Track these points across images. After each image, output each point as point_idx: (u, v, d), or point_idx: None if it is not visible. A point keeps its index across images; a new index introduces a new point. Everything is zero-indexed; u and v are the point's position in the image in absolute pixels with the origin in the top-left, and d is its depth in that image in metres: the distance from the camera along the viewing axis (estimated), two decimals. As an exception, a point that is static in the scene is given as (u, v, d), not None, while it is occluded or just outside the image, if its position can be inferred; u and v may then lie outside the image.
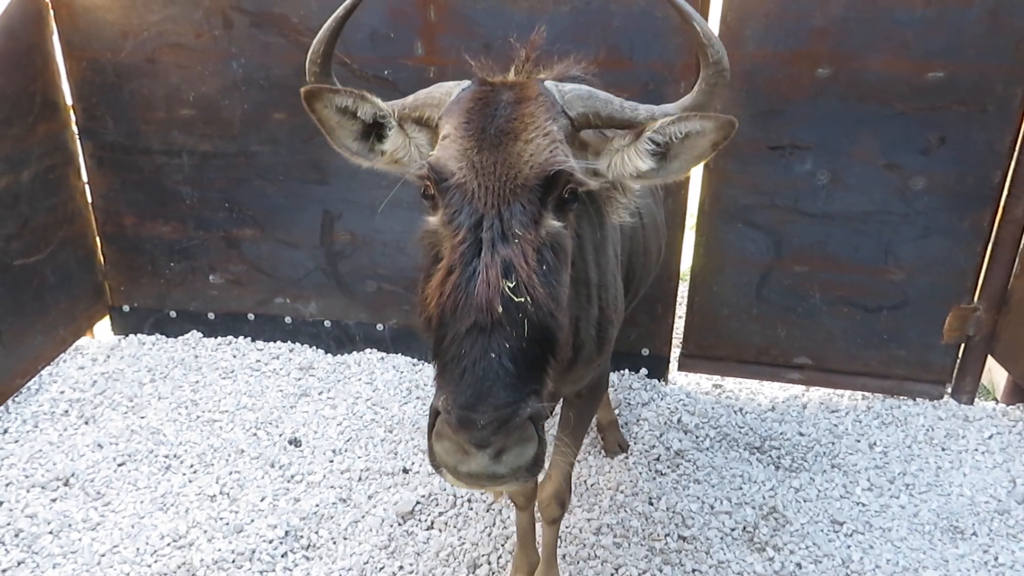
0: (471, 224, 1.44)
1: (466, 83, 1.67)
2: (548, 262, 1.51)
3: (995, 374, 4.16)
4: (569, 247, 1.63)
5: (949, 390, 4.03)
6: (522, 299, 1.41)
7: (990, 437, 3.73)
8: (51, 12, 3.95)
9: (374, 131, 1.73)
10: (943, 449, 3.68)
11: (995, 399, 4.13)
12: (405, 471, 3.50)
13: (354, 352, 4.41)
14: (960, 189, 3.60)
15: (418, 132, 1.73)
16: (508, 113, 1.55)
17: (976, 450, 3.66)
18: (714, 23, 3.52)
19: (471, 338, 1.38)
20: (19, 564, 2.99)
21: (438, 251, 1.49)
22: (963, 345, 3.93)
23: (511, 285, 1.40)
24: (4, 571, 2.95)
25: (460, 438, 1.35)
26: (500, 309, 1.37)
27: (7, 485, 3.36)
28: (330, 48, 1.63)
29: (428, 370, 4.26)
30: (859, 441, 3.71)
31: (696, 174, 3.81)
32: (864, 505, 3.33)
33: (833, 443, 3.69)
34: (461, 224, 1.45)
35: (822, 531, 3.18)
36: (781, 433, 3.75)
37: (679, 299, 4.09)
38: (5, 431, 3.71)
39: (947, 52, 3.39)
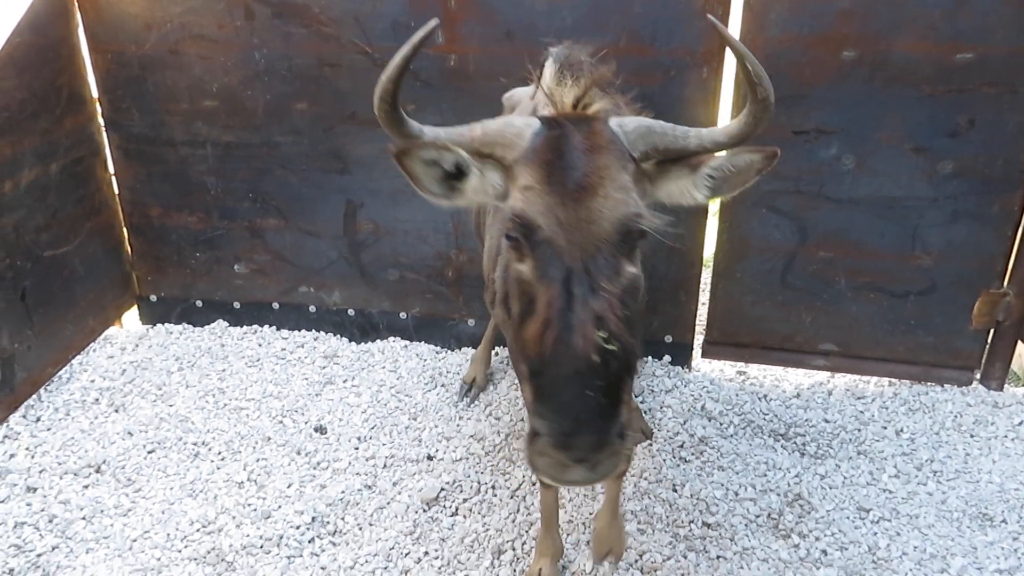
0: (562, 279, 1.56)
1: (534, 123, 1.70)
2: (628, 305, 1.62)
3: (1025, 360, 4.11)
4: (642, 286, 1.74)
5: (978, 376, 3.98)
6: (613, 347, 1.55)
7: (1020, 424, 3.68)
8: (76, 6, 3.99)
9: (454, 174, 1.79)
10: (972, 436, 3.64)
11: (1025, 385, 4.08)
12: (429, 458, 3.53)
13: (378, 340, 4.44)
14: (989, 172, 3.54)
15: (488, 167, 1.77)
16: (584, 166, 1.62)
17: (1006, 437, 3.62)
18: (738, 7, 3.48)
19: (569, 380, 1.53)
20: (53, 549, 3.06)
21: (531, 296, 1.59)
22: (992, 331, 3.87)
23: (603, 336, 1.54)
24: (39, 555, 3.02)
25: (561, 457, 1.53)
26: (596, 358, 1.53)
27: (41, 472, 3.43)
28: (398, 87, 1.68)
29: (451, 357, 4.28)
30: (886, 428, 3.68)
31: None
32: (891, 492, 3.31)
33: (859, 430, 3.66)
34: (553, 279, 1.56)
35: (848, 518, 3.16)
36: (806, 420, 3.73)
37: (702, 286, 4.07)
38: (38, 419, 3.78)
39: (976, 33, 3.33)
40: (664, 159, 1.84)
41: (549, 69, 2.40)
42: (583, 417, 1.53)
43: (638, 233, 1.63)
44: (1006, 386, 3.97)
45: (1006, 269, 3.73)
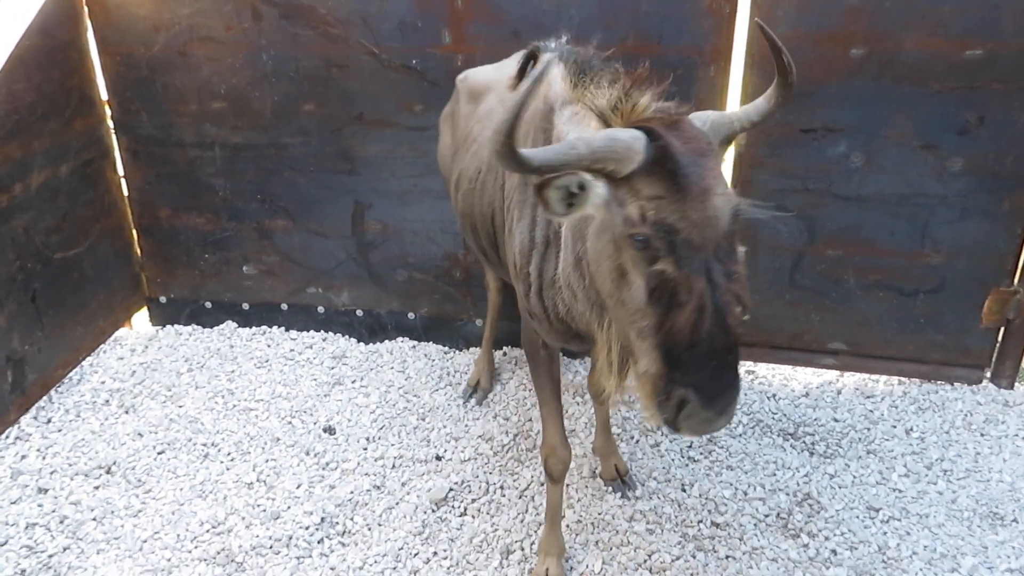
0: (704, 270, 1.77)
1: (638, 135, 1.82)
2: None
3: (1036, 358, 4.08)
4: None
5: (988, 375, 3.96)
6: (747, 316, 1.83)
7: (1031, 422, 3.66)
8: (85, 9, 4.01)
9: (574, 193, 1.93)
10: (982, 434, 3.62)
11: (1036, 384, 4.06)
12: (438, 458, 3.53)
13: (386, 341, 4.45)
14: (999, 170, 3.52)
15: (598, 181, 1.89)
16: (701, 170, 1.81)
17: (1016, 435, 3.60)
18: (745, 5, 3.47)
19: (718, 351, 1.78)
20: (64, 550, 3.08)
21: (674, 290, 1.79)
22: (1002, 329, 3.85)
23: (739, 311, 1.81)
24: (51, 556, 3.04)
25: (710, 415, 1.81)
26: (740, 330, 1.81)
27: (52, 473, 3.45)
28: (517, 124, 1.74)
29: (459, 358, 4.28)
30: (895, 427, 3.67)
31: (727, 159, 3.77)
32: (900, 491, 3.29)
33: (868, 429, 3.65)
34: (697, 271, 1.76)
35: (857, 517, 3.15)
36: (815, 419, 3.72)
37: (710, 285, 4.05)
38: (49, 421, 3.80)
39: (985, 29, 3.31)
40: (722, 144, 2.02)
41: (558, 68, 2.43)
42: (727, 378, 1.82)
43: (741, 219, 1.86)
44: (1016, 384, 3.95)
45: (1016, 267, 3.71)
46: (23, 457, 3.55)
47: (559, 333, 2.49)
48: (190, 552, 3.08)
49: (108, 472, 3.48)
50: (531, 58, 2.71)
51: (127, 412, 3.89)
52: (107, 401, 3.96)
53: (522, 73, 2.71)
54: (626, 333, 1.94)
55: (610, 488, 3.30)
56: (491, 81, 3.08)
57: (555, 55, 2.53)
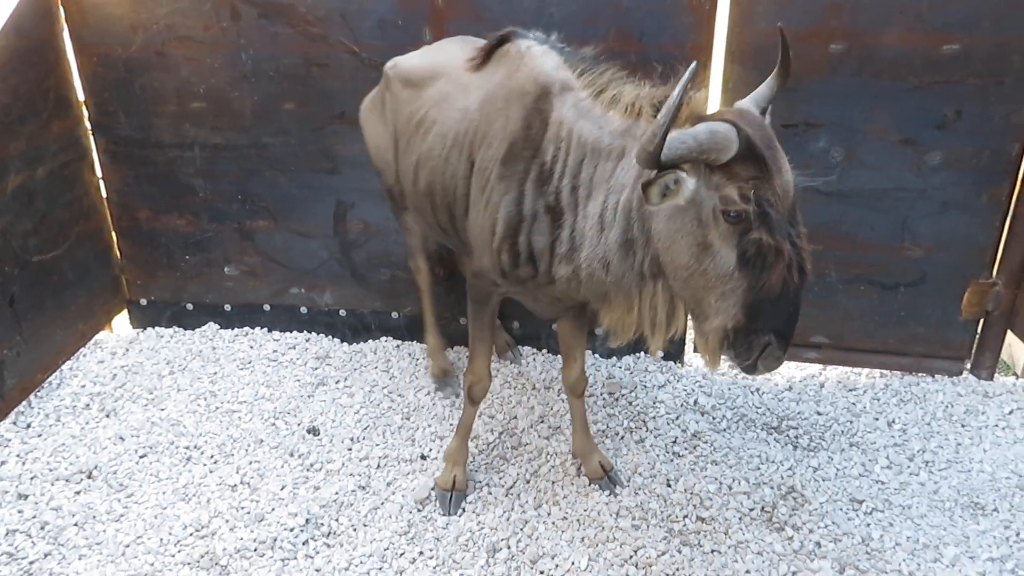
0: (787, 236, 2.07)
1: (730, 128, 2.06)
2: None
3: (1015, 349, 4.13)
4: None
5: (968, 366, 4.00)
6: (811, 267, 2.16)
7: (1010, 412, 3.70)
8: (61, 9, 3.97)
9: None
10: (963, 425, 3.65)
11: (1015, 374, 4.10)
12: (423, 457, 3.52)
13: (370, 340, 4.43)
14: (977, 163, 3.55)
15: (690, 176, 2.13)
16: (775, 154, 2.11)
17: (996, 426, 3.64)
18: (725, 1, 3.49)
19: (794, 300, 2.11)
20: (46, 556, 3.04)
21: (765, 253, 2.07)
22: (982, 321, 3.89)
23: (810, 267, 2.15)
24: (31, 563, 3.00)
25: (782, 353, 2.15)
26: (810, 280, 2.15)
27: (32, 479, 3.41)
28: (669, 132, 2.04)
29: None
30: (877, 419, 3.70)
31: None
32: (883, 483, 3.32)
33: (851, 421, 3.68)
34: (784, 236, 2.07)
35: (841, 510, 3.17)
36: (799, 412, 3.74)
37: (694, 281, 4.07)
38: (28, 426, 3.76)
39: (962, 24, 3.34)
40: None
41: (550, 56, 2.68)
42: (795, 323, 2.16)
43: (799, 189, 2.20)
44: (996, 375, 3.99)
45: (995, 259, 3.75)
46: (2, 463, 3.51)
47: (532, 293, 2.82)
48: (173, 556, 3.05)
49: (89, 477, 3.44)
50: (503, 41, 2.88)
51: (108, 416, 3.85)
52: (88, 405, 3.92)
53: (486, 57, 2.92)
54: (699, 298, 2.21)
55: (597, 487, 3.31)
56: (435, 66, 3.19)
57: (536, 43, 2.77)
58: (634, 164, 2.27)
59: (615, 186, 2.39)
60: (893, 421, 3.68)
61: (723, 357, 2.25)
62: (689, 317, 2.39)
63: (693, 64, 2.08)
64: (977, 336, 3.94)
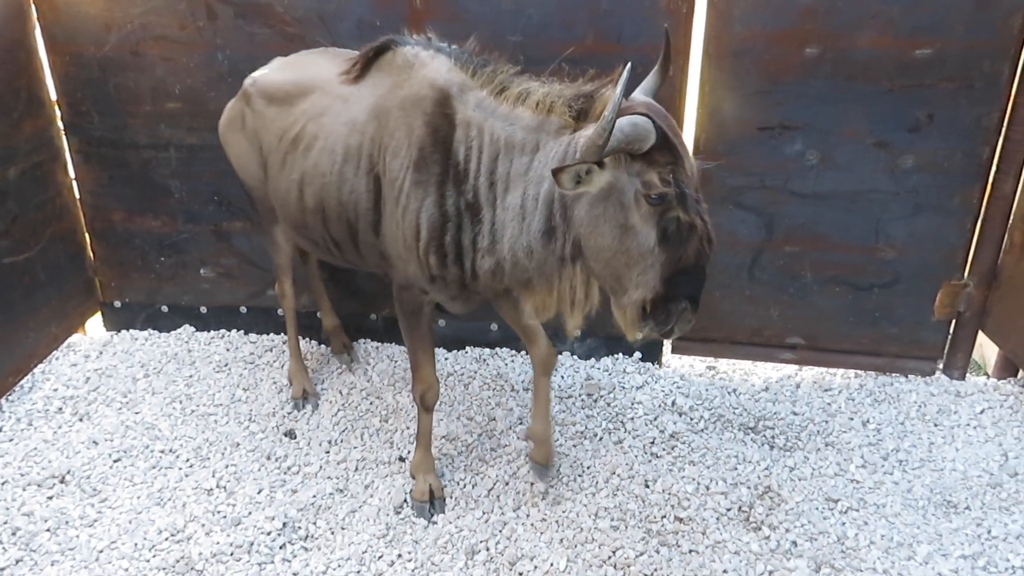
0: (697, 213, 2.30)
1: (643, 120, 2.24)
2: None
3: (986, 349, 4.19)
4: None
5: (941, 366, 4.05)
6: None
7: (982, 412, 3.76)
8: (32, 7, 3.91)
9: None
10: (935, 425, 3.70)
11: (986, 374, 4.16)
12: (401, 460, 3.51)
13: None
14: (949, 166, 3.60)
15: (603, 169, 2.31)
16: (681, 141, 2.32)
17: (968, 425, 3.69)
18: (702, 5, 3.51)
19: (704, 267, 2.37)
20: (17, 562, 3.00)
21: (681, 229, 2.30)
22: (954, 321, 3.95)
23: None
24: (2, 570, 2.96)
25: (693, 315, 2.40)
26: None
27: (3, 484, 3.36)
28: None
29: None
30: (852, 419, 3.74)
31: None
32: (858, 482, 3.36)
33: (826, 421, 3.71)
34: (695, 213, 2.29)
35: (817, 509, 3.20)
36: (775, 413, 3.77)
37: (671, 282, 4.09)
38: (-1, 430, 3.71)
39: (934, 29, 3.38)
40: None
41: (440, 59, 2.76)
42: (703, 287, 2.41)
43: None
44: (968, 375, 4.05)
45: (966, 260, 3.80)
46: (-28, 468, 3.45)
47: (458, 293, 2.90)
48: (148, 561, 3.01)
49: (62, 481, 3.40)
50: (383, 50, 2.92)
51: (81, 420, 3.80)
52: (60, 409, 3.86)
53: (366, 66, 2.96)
54: (619, 275, 2.40)
55: (532, 469, 3.36)
56: (302, 80, 3.17)
57: (421, 48, 2.84)
58: (551, 156, 2.46)
59: (534, 178, 2.53)
60: (868, 421, 3.72)
61: (641, 326, 2.45)
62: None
63: (627, 65, 2.25)
64: (949, 337, 3.99)
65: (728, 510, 3.20)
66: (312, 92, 3.10)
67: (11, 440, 3.64)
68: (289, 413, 3.83)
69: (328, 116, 3.00)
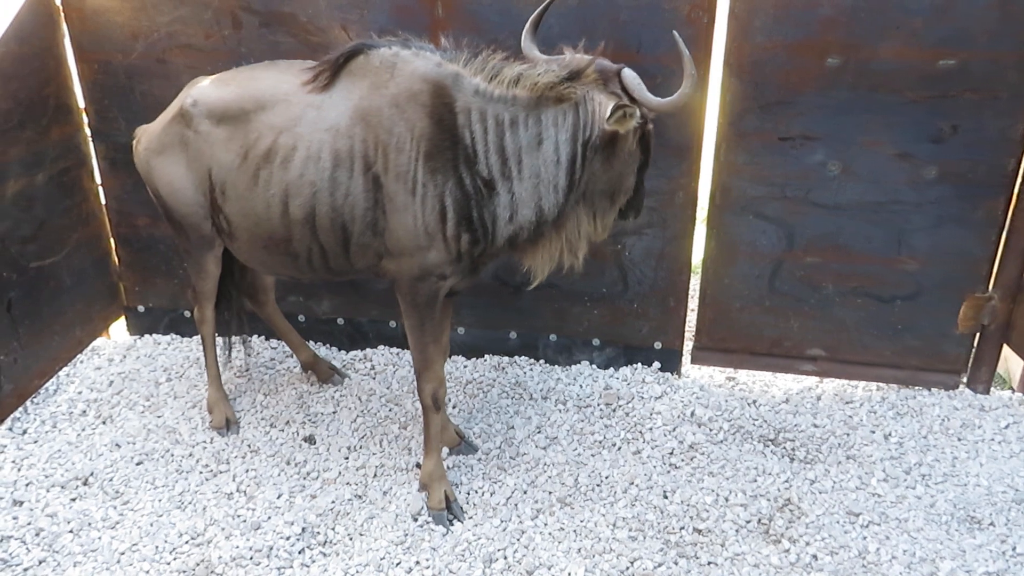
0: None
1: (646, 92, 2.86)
2: None
3: (1011, 363, 4.14)
4: None
5: (964, 380, 4.01)
6: None
7: (1007, 426, 3.71)
8: (62, 16, 3.98)
9: None
10: (959, 439, 3.66)
11: (1011, 388, 4.11)
12: (419, 467, 3.52)
13: (367, 349, 4.42)
14: (973, 177, 3.57)
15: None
16: None
17: (992, 440, 3.64)
18: (723, 15, 3.51)
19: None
20: (40, 563, 3.03)
21: (643, 136, 2.94)
22: (978, 334, 3.91)
23: None
24: (26, 570, 2.99)
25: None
26: None
27: (27, 485, 3.41)
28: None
29: (441, 366, 4.26)
30: (874, 432, 3.70)
31: (706, 166, 3.80)
32: (880, 496, 3.32)
33: (848, 434, 3.68)
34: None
35: (838, 522, 3.18)
36: (795, 425, 3.75)
37: (691, 292, 4.09)
38: (24, 432, 3.75)
39: (958, 40, 3.36)
40: None
41: (421, 58, 2.94)
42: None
43: None
44: (992, 389, 4.00)
45: (991, 273, 3.76)
46: (-2, 469, 3.50)
47: (471, 271, 3.12)
48: (168, 564, 3.04)
49: (85, 483, 3.44)
50: (354, 54, 2.98)
51: (104, 423, 3.84)
52: (84, 412, 3.91)
53: (335, 71, 2.98)
54: (615, 190, 3.00)
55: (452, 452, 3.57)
56: (256, 95, 3.08)
57: (401, 48, 2.98)
58: (567, 124, 2.82)
59: (547, 147, 2.85)
60: (890, 434, 3.68)
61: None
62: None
63: (675, 33, 2.84)
64: (973, 350, 3.95)
65: (747, 522, 3.18)
66: (274, 104, 3.05)
67: (35, 442, 3.69)
68: (309, 418, 3.85)
69: (304, 125, 2.98)
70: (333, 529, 3.20)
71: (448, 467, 3.49)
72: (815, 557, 3.01)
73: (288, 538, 3.12)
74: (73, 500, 3.35)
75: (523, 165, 2.87)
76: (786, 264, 3.88)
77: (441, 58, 2.92)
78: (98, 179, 4.33)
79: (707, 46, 3.55)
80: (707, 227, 3.90)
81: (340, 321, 4.42)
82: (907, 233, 3.71)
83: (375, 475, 3.49)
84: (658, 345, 4.14)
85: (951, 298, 3.81)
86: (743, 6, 3.47)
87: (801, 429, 3.72)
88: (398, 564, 3.02)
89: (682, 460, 3.52)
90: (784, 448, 3.62)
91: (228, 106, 3.12)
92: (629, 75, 2.84)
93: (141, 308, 4.60)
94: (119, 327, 4.69)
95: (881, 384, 4.06)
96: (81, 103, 4.17)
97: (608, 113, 2.71)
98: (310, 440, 3.71)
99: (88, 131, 4.23)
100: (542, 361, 4.28)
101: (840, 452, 3.58)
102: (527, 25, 3.10)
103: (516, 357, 4.29)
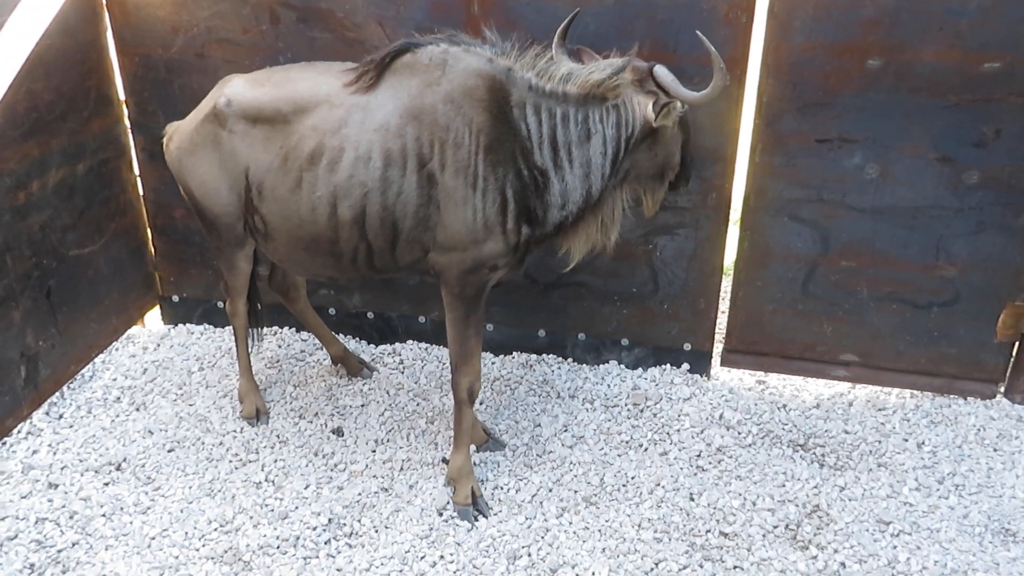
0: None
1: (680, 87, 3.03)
2: None
3: (1050, 374, 4.04)
4: None
5: (1002, 389, 3.93)
6: None
7: (1044, 438, 3.63)
8: (105, 10, 4.05)
9: None
10: (995, 450, 3.59)
11: (1050, 399, 4.02)
12: (445, 461, 3.53)
13: (396, 343, 4.45)
14: (1016, 183, 3.50)
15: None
16: None
17: (1029, 451, 3.56)
18: (762, 15, 3.47)
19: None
20: (73, 545, 3.10)
21: (683, 119, 3.15)
22: (1017, 343, 3.82)
23: None
24: (59, 551, 3.06)
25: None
26: None
27: (62, 469, 3.48)
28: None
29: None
30: (907, 440, 3.64)
31: (740, 167, 3.77)
32: (911, 505, 3.27)
33: (880, 442, 3.63)
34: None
35: (867, 531, 3.13)
36: (826, 431, 3.70)
37: (722, 294, 4.05)
38: (60, 416, 3.83)
39: (1003, 43, 3.29)
40: None
41: (472, 55, 3.00)
42: None
43: None
44: (1031, 400, 3.91)
45: (1032, 281, 3.68)
46: (34, 452, 3.58)
47: (523, 258, 3.20)
48: (197, 550, 3.09)
49: (118, 469, 3.50)
50: (401, 53, 3.01)
51: (138, 409, 3.91)
52: (118, 398, 3.98)
53: (381, 71, 3.01)
54: (663, 170, 3.23)
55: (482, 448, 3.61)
56: (296, 96, 3.06)
57: (450, 45, 3.01)
58: (611, 121, 2.99)
59: (596, 141, 3.01)
60: (923, 443, 3.62)
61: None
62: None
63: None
64: (1012, 359, 3.86)
65: (775, 527, 3.15)
66: (315, 107, 3.03)
67: (71, 427, 3.77)
68: (338, 411, 3.89)
69: (350, 127, 2.98)
70: (359, 521, 3.22)
71: (474, 463, 3.49)
72: (843, 565, 2.97)
73: (315, 528, 3.15)
74: (106, 485, 3.41)
75: (573, 156, 3.02)
76: (820, 268, 3.82)
77: (493, 53, 3.00)
78: (136, 170, 4.41)
79: (745, 46, 3.52)
80: (740, 229, 3.86)
81: (370, 315, 4.45)
82: (946, 239, 3.65)
83: (401, 469, 3.51)
84: (687, 347, 4.11)
85: (990, 306, 3.73)
86: (783, 6, 3.43)
87: (832, 435, 3.67)
88: (423, 558, 3.04)
89: (709, 463, 3.50)
90: (814, 454, 3.58)
91: (263, 107, 3.10)
92: (661, 71, 2.99)
93: (175, 298, 4.67)
94: (154, 316, 4.76)
95: (915, 392, 3.99)
96: (121, 96, 4.25)
97: (655, 112, 2.93)
98: (338, 432, 3.74)
99: (128, 123, 4.31)
100: (570, 360, 4.27)
101: (871, 459, 3.53)
102: (555, 36, 3.16)
103: (544, 355, 4.29)
